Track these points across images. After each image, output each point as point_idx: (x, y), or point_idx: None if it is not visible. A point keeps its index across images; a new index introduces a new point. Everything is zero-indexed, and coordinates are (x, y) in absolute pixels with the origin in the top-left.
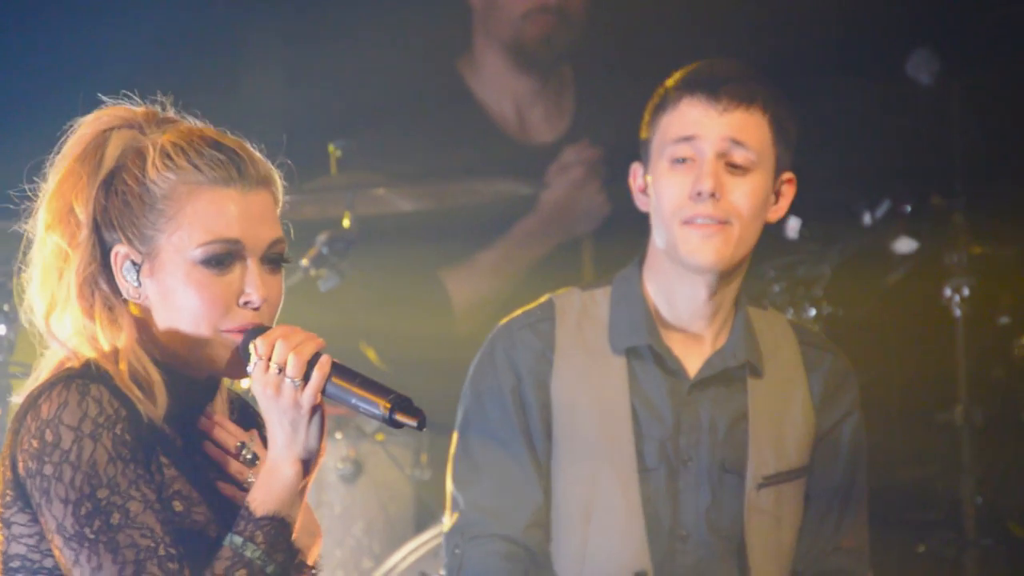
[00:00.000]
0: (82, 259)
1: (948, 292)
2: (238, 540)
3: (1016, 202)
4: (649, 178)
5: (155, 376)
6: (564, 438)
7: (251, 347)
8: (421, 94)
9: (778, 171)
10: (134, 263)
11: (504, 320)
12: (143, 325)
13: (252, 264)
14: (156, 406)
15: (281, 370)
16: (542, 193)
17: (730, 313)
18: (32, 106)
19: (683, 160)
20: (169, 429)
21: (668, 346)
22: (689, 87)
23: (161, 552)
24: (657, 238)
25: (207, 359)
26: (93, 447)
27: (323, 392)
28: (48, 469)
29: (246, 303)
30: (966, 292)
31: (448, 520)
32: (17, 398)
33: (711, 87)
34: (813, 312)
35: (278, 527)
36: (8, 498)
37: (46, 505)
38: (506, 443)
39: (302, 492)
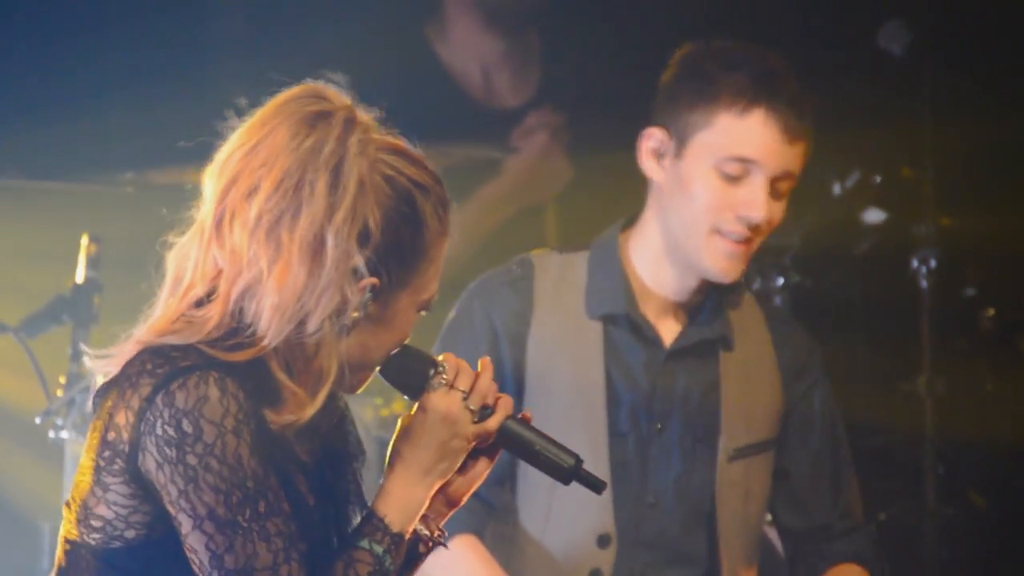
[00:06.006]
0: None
1: (915, 263)
2: (379, 549)
3: (984, 174)
4: (673, 159)
5: (327, 389)
6: (536, 398)
7: (440, 367)
8: (389, 58)
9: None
10: (375, 296)
11: (481, 276)
12: None
13: None
14: (302, 409)
15: (465, 397)
16: (507, 158)
17: (707, 286)
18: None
19: (733, 176)
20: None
21: (644, 315)
22: (765, 100)
23: (297, 541)
24: (669, 223)
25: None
26: (236, 442)
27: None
28: (192, 459)
29: None
30: (933, 264)
31: None
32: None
33: (785, 114)
34: (781, 281)
35: (402, 545)
36: (114, 464)
37: (193, 492)
38: None
39: None
